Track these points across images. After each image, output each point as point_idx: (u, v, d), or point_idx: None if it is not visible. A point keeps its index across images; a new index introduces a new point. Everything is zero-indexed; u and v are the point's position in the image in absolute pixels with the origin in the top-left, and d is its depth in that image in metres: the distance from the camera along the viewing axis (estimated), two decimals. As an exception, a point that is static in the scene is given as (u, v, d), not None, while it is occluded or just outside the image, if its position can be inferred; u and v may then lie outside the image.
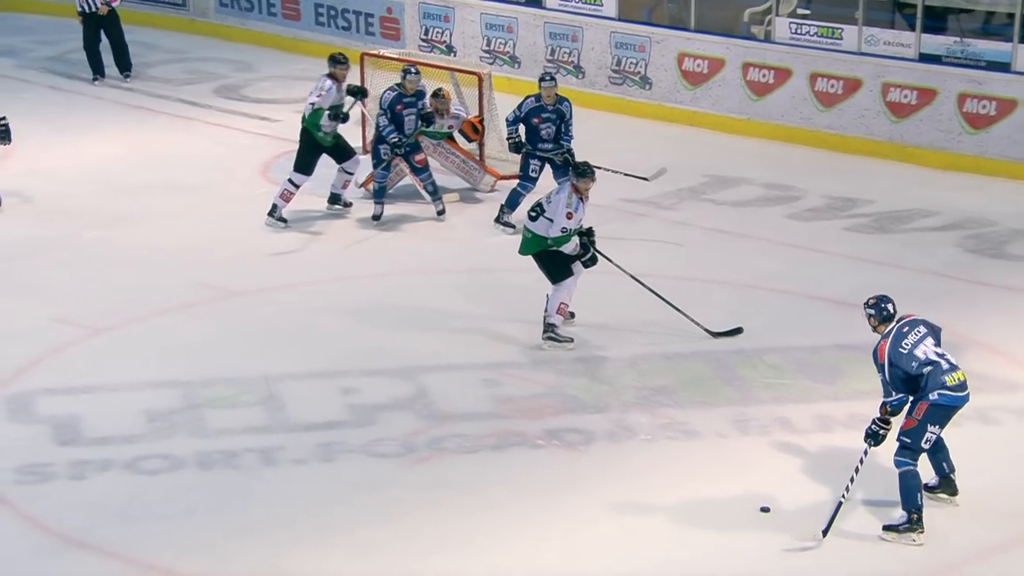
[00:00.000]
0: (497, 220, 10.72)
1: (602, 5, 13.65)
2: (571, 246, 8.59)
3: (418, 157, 10.94)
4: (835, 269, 10.04)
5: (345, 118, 10.70)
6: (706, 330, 8.67)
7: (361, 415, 7.87)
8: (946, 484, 6.97)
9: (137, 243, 10.29)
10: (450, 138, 11.54)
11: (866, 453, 6.79)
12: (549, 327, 8.67)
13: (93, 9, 13.84)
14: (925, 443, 6.64)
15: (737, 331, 8.72)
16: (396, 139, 10.63)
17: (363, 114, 11.51)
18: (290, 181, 10.75)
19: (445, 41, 14.58)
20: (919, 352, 6.61)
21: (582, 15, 13.73)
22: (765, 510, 6.94)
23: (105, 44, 14.18)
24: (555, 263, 8.66)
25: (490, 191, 11.47)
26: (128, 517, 6.88)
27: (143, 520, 6.86)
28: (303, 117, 10.67)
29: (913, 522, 6.66)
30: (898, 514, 6.72)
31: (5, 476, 7.14)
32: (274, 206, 10.69)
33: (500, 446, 7.59)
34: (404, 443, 7.60)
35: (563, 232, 8.54)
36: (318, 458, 7.45)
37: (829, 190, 11.59)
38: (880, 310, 6.79)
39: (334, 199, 11.04)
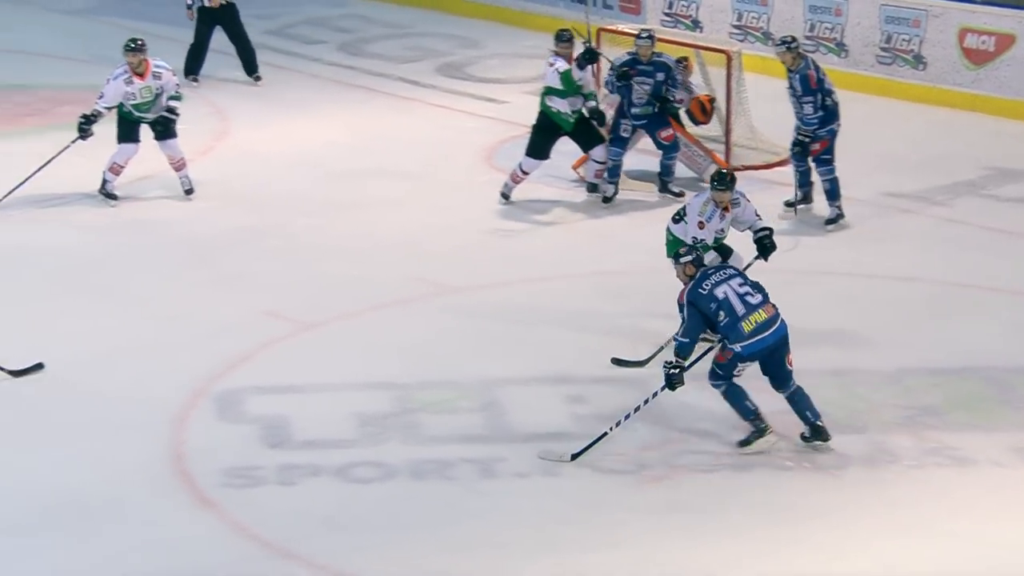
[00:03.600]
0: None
1: (871, -25, 13.43)
2: (708, 257, 8.46)
3: (664, 133, 11.01)
4: None
5: (589, 96, 10.80)
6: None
7: (588, 426, 7.90)
8: (816, 432, 7.59)
9: (351, 233, 10.61)
10: (676, 118, 11.49)
11: (655, 395, 7.66)
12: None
13: (205, 2, 13.61)
14: (737, 372, 7.53)
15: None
16: (610, 79, 10.83)
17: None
18: (520, 168, 10.92)
19: (691, 15, 14.53)
20: (719, 292, 7.47)
21: (848, -14, 13.55)
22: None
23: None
24: None
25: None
26: (337, 527, 7.09)
27: (352, 531, 7.07)
28: (541, 100, 10.84)
29: (759, 429, 7.55)
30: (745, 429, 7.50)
31: (214, 479, 7.46)
32: (505, 184, 10.96)
33: (743, 466, 7.55)
34: (635, 459, 7.63)
35: (693, 241, 8.53)
36: (540, 472, 7.53)
37: None
38: (696, 258, 7.65)
39: (591, 187, 11.17)
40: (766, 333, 7.48)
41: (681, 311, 7.62)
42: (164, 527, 7.09)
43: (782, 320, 7.55)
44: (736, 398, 7.62)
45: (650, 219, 10.77)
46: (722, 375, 7.61)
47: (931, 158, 11.77)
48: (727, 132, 11.71)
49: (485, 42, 15.16)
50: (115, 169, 11.02)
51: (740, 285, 7.53)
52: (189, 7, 13.64)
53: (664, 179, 11.14)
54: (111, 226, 10.69)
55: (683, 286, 7.68)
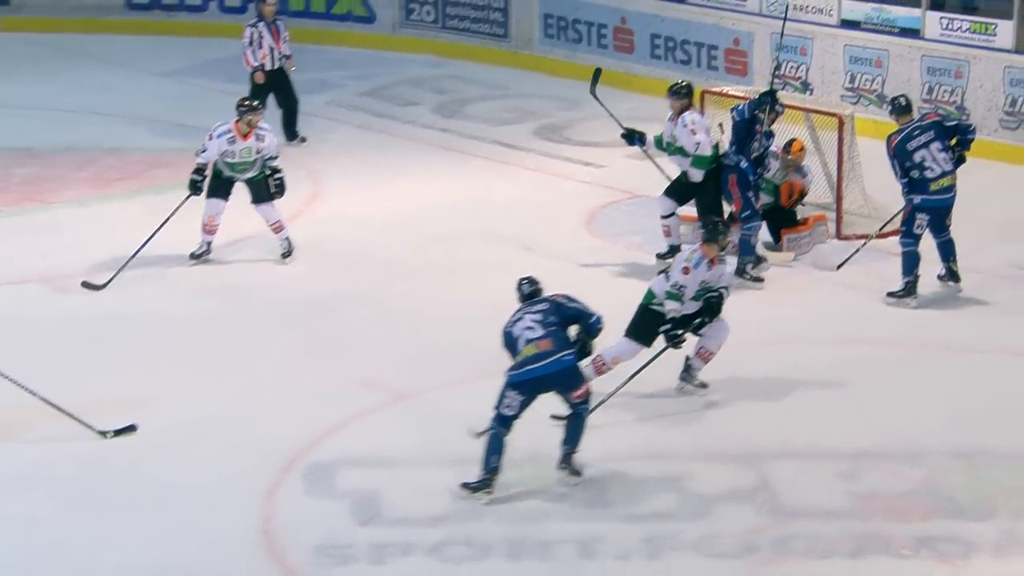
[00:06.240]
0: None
1: (995, 35, 13.24)
2: (673, 306, 8.70)
3: (763, 200, 10.95)
4: None
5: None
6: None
7: (693, 506, 7.84)
8: (563, 459, 8.01)
9: (448, 298, 10.60)
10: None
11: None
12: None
13: (274, 66, 13.73)
14: (506, 409, 7.85)
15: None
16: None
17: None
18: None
19: (801, 77, 14.46)
20: (514, 331, 7.99)
21: (969, 47, 13.39)
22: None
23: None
24: (642, 319, 8.90)
25: (827, 241, 11.29)
26: (430, 608, 7.04)
27: (446, 613, 7.01)
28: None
29: (486, 483, 7.84)
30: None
31: (302, 556, 7.44)
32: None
33: (858, 552, 7.41)
34: (743, 542, 7.52)
35: (673, 288, 8.73)
36: (643, 554, 7.45)
37: None
38: (519, 292, 8.15)
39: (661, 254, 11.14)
40: (533, 366, 7.85)
41: None
42: (252, 605, 7.07)
43: (559, 358, 7.86)
44: (493, 446, 7.87)
45: (764, 291, 10.70)
46: (497, 411, 7.88)
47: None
48: (838, 199, 11.58)
49: (586, 103, 15.07)
50: (204, 227, 11.14)
51: (531, 322, 7.96)
52: (257, 69, 13.78)
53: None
54: (204, 291, 10.78)
55: None
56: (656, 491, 7.97)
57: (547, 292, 8.20)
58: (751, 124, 10.74)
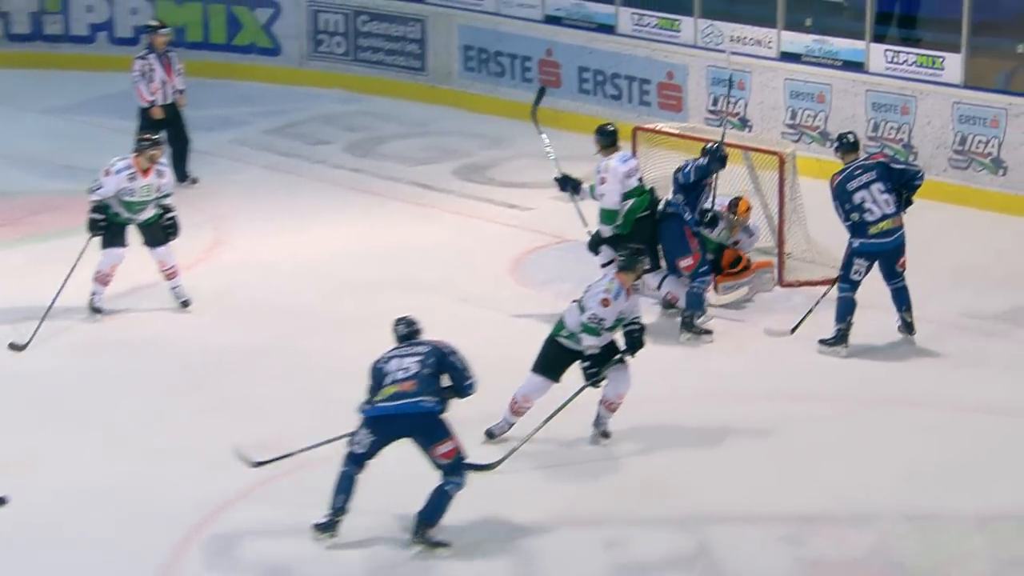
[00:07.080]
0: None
1: (943, 69, 13.42)
2: (590, 341, 8.81)
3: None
4: None
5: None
6: None
7: (627, 573, 7.82)
8: (417, 532, 8.01)
9: (364, 351, 10.36)
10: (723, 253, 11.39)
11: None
12: (503, 419, 9.07)
13: (165, 100, 13.71)
14: (356, 446, 8.04)
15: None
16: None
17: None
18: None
19: (739, 113, 14.56)
20: (385, 368, 8.15)
21: (916, 81, 13.54)
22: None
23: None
24: (548, 352, 9.04)
25: (772, 288, 11.40)
26: None
27: None
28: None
29: (332, 525, 8.02)
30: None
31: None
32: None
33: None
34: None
35: (591, 321, 8.79)
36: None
37: None
38: (395, 332, 8.37)
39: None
40: (388, 403, 8.00)
41: None
42: None
43: (416, 401, 7.97)
44: (341, 484, 8.03)
45: (696, 345, 10.71)
46: (348, 449, 8.06)
47: (1018, 273, 11.65)
48: (780, 243, 11.65)
49: (511, 141, 15.20)
50: (101, 278, 11.02)
51: (406, 364, 8.10)
52: (152, 105, 13.71)
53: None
54: (95, 346, 10.68)
55: None
56: (587, 559, 7.93)
57: (456, 338, 8.31)
58: (697, 184, 10.79)
